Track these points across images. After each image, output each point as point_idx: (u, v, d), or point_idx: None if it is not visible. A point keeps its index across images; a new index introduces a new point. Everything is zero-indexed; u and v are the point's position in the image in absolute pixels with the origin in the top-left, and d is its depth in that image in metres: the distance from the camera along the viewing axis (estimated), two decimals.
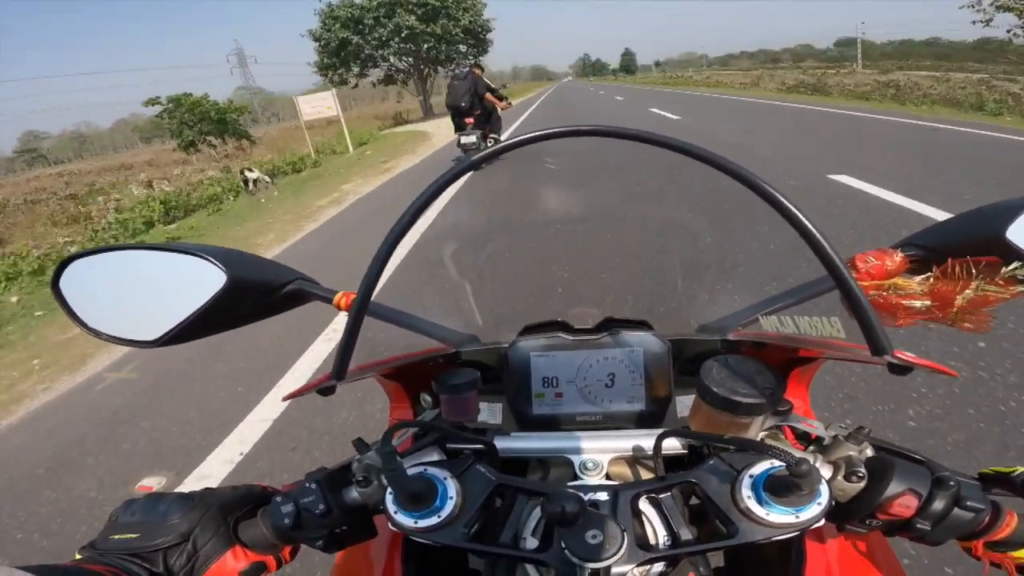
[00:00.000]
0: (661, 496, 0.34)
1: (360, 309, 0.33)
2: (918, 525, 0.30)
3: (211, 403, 1.96)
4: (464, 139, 5.28)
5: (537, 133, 0.32)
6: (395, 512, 0.33)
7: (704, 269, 0.63)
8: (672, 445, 0.39)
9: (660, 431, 0.38)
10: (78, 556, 0.33)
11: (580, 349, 0.44)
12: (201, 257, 0.39)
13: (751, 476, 0.32)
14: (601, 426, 0.44)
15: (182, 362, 2.30)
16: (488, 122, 5.50)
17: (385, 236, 0.32)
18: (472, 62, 6.02)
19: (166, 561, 0.33)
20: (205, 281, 0.39)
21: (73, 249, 4.24)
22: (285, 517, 0.35)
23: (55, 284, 0.41)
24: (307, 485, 0.36)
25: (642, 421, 0.44)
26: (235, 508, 0.37)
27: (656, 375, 0.43)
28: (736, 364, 0.36)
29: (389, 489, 0.33)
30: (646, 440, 0.40)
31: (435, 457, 0.39)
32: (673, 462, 0.41)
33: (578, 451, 0.41)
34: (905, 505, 0.30)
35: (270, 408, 1.83)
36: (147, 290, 0.41)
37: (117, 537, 0.33)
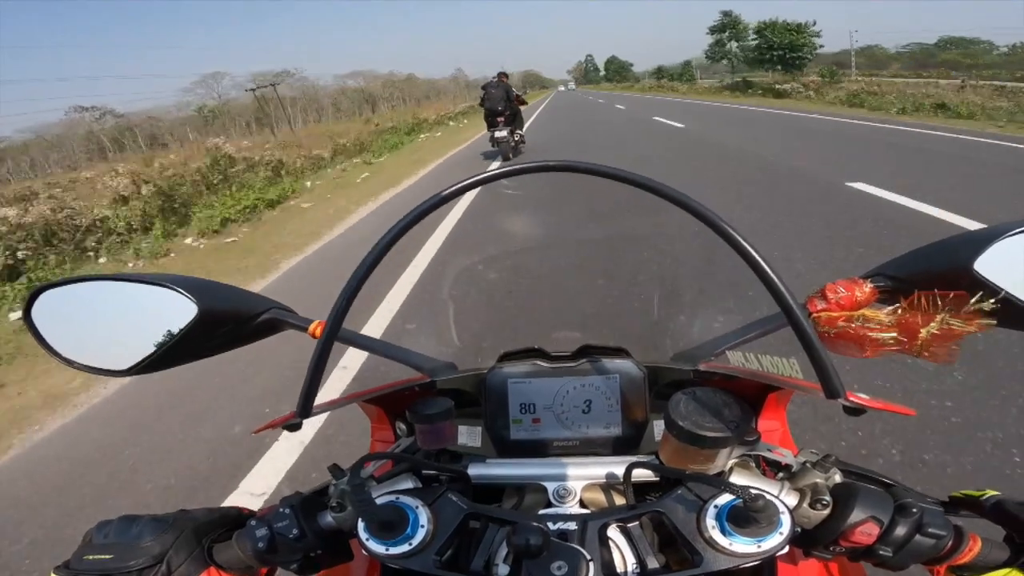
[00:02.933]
0: (630, 525, 0.34)
1: (327, 342, 0.34)
2: (880, 551, 0.31)
3: None
4: (497, 134, 6.88)
5: (493, 172, 0.34)
6: (367, 539, 0.34)
7: (679, 295, 0.64)
8: (643, 473, 0.40)
9: (631, 460, 0.39)
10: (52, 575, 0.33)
11: (557, 376, 0.45)
12: (171, 288, 0.39)
13: (715, 507, 0.33)
14: (578, 451, 0.44)
15: None
16: (514, 120, 7.09)
17: (355, 268, 0.32)
18: (500, 72, 7.45)
19: None
20: (176, 311, 0.39)
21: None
22: (259, 541, 0.35)
23: (27, 313, 0.41)
24: (281, 510, 0.37)
25: (618, 446, 0.44)
26: (210, 531, 0.37)
27: (633, 401, 0.44)
28: (704, 397, 0.36)
29: (362, 516, 0.34)
30: (618, 467, 0.40)
31: (409, 484, 0.40)
32: (645, 488, 0.41)
33: (552, 478, 0.41)
34: (867, 533, 0.31)
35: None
36: (118, 320, 0.42)
37: (91, 558, 0.34)
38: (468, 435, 0.46)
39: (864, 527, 0.31)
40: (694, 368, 0.44)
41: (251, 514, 0.39)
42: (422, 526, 0.34)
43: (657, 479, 0.40)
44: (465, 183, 0.33)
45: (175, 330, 0.39)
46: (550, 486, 0.41)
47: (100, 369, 0.41)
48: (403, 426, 0.47)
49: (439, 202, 0.33)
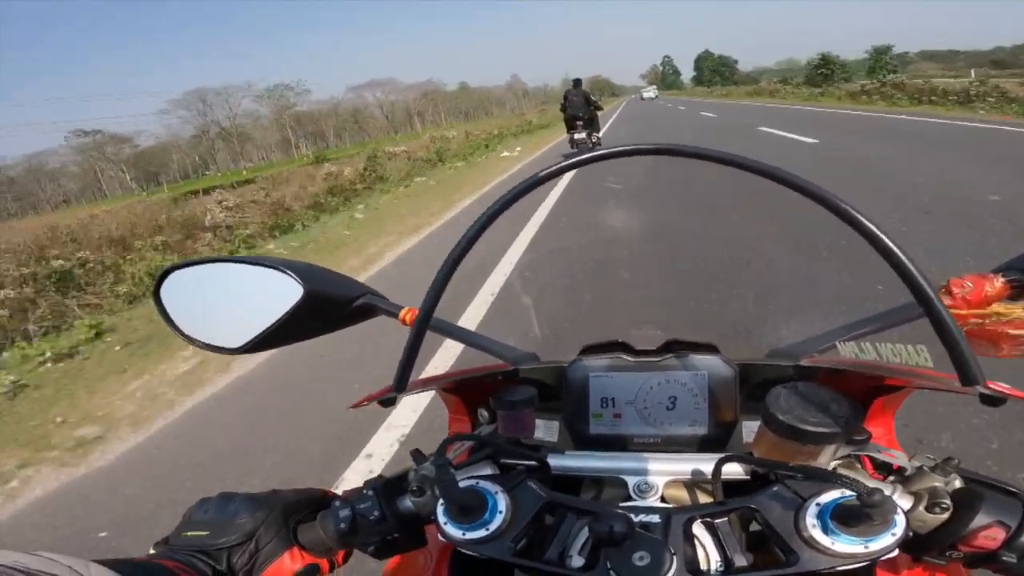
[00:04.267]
0: (717, 521, 0.38)
1: (422, 325, 0.42)
2: (1004, 558, 0.33)
3: None
4: (577, 136, 9.51)
5: (612, 150, 0.38)
6: (444, 523, 0.40)
7: (776, 289, 0.67)
8: (733, 471, 0.44)
9: (721, 455, 0.44)
10: (152, 551, 0.42)
11: (641, 371, 0.50)
12: (280, 270, 0.50)
13: (818, 504, 0.35)
14: (659, 448, 0.49)
15: None
16: (592, 124, 9.69)
17: (448, 253, 0.39)
18: (576, 79, 10.14)
19: (230, 559, 0.41)
20: (284, 293, 0.50)
21: None
22: (342, 522, 0.43)
23: (156, 292, 0.55)
24: (364, 492, 0.45)
25: (703, 445, 0.49)
26: (297, 510, 0.45)
27: (721, 399, 0.49)
28: (807, 391, 0.40)
29: (440, 499, 0.41)
30: (705, 464, 0.45)
31: (488, 471, 0.47)
32: (733, 488, 0.45)
33: (633, 472, 0.47)
34: (991, 537, 0.33)
35: None
36: (233, 300, 0.54)
37: (189, 534, 0.42)
38: (545, 429, 0.53)
39: (988, 531, 0.33)
40: (795, 364, 0.48)
41: (335, 496, 0.47)
42: (500, 512, 0.39)
43: (746, 478, 0.44)
44: (564, 164, 0.38)
45: (282, 311, 0.50)
46: (631, 480, 0.46)
47: (215, 347, 0.54)
48: (485, 413, 0.55)
49: (536, 183, 0.38)
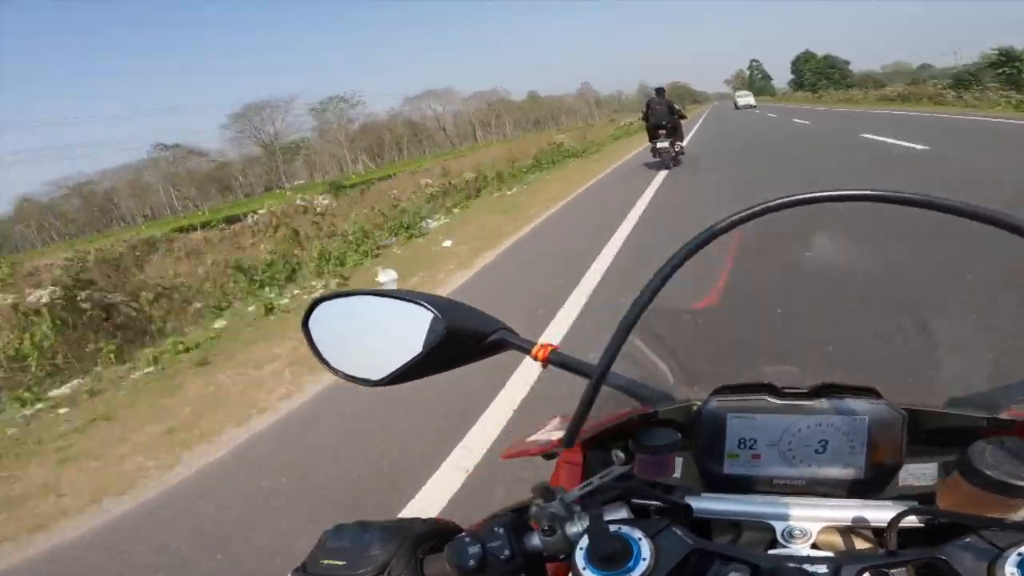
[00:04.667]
0: (893, 572, 0.38)
1: (600, 379, 0.44)
2: None
3: None
4: (659, 145, 9.80)
5: (792, 197, 0.38)
6: (583, 568, 0.41)
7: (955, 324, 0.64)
8: (907, 519, 0.43)
9: (902, 508, 0.43)
10: None
11: (788, 413, 0.50)
12: (422, 305, 0.56)
13: (1020, 555, 0.35)
14: (805, 491, 0.49)
15: None
16: (675, 133, 9.99)
17: (630, 306, 0.42)
18: (659, 88, 10.52)
19: None
20: (425, 327, 0.56)
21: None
22: (471, 558, 0.45)
23: (305, 322, 0.62)
24: (495, 529, 0.47)
25: (856, 488, 0.48)
26: (425, 541, 0.48)
27: (883, 445, 0.48)
28: (1014, 447, 0.41)
29: (581, 544, 0.42)
30: (871, 512, 0.45)
31: (623, 513, 0.48)
32: (901, 535, 0.44)
33: (781, 516, 0.47)
34: None
35: None
36: (375, 332, 0.60)
37: (326, 562, 0.46)
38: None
39: None
40: (991, 416, 0.47)
41: (460, 528, 0.50)
42: (644, 559, 0.40)
43: (919, 526, 0.44)
44: (744, 214, 0.39)
45: (423, 345, 0.56)
46: (778, 525, 0.46)
47: (356, 378, 0.60)
48: (620, 454, 0.56)
49: (712, 236, 0.40)
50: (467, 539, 0.45)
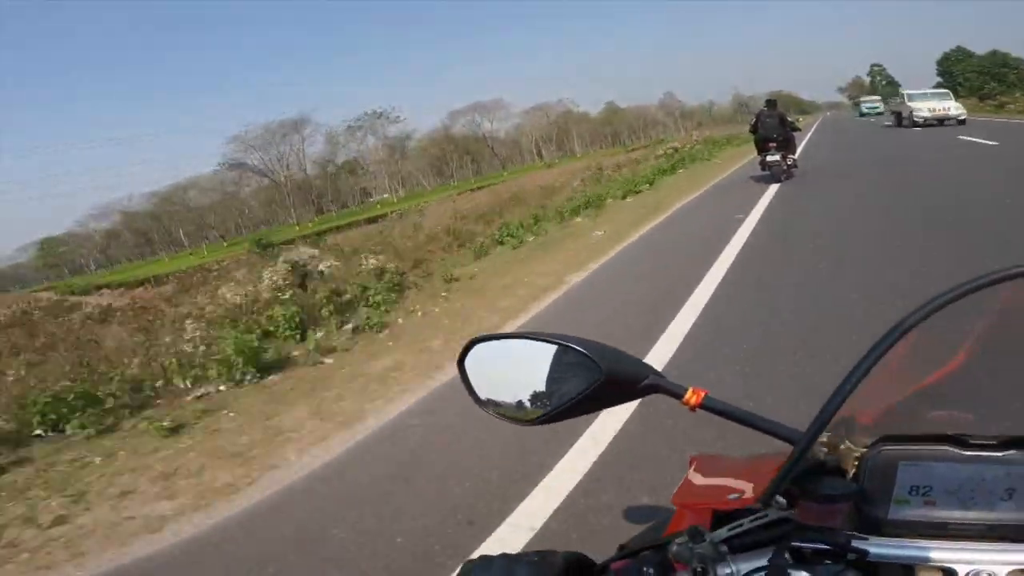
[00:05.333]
0: None
1: (808, 445, 0.49)
2: None
3: None
4: (769, 158, 10.57)
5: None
6: None
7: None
8: None
9: None
10: None
11: (971, 463, 0.51)
12: (579, 351, 0.64)
13: None
14: (985, 536, 0.51)
15: None
16: (787, 146, 10.74)
17: (839, 384, 0.46)
18: (770, 100, 11.51)
19: None
20: (580, 371, 0.64)
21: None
22: None
23: (460, 361, 0.73)
24: (643, 569, 0.52)
25: None
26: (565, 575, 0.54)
27: None
28: None
29: None
30: None
31: (763, 560, 0.52)
32: None
33: (965, 561, 0.49)
34: None
35: None
36: (530, 374, 0.69)
37: None
38: None
39: None
40: None
41: (592, 563, 0.55)
42: None
43: None
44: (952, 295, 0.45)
45: (577, 388, 0.64)
46: (961, 569, 0.49)
47: (508, 416, 0.69)
48: (782, 499, 0.58)
49: (937, 307, 0.45)
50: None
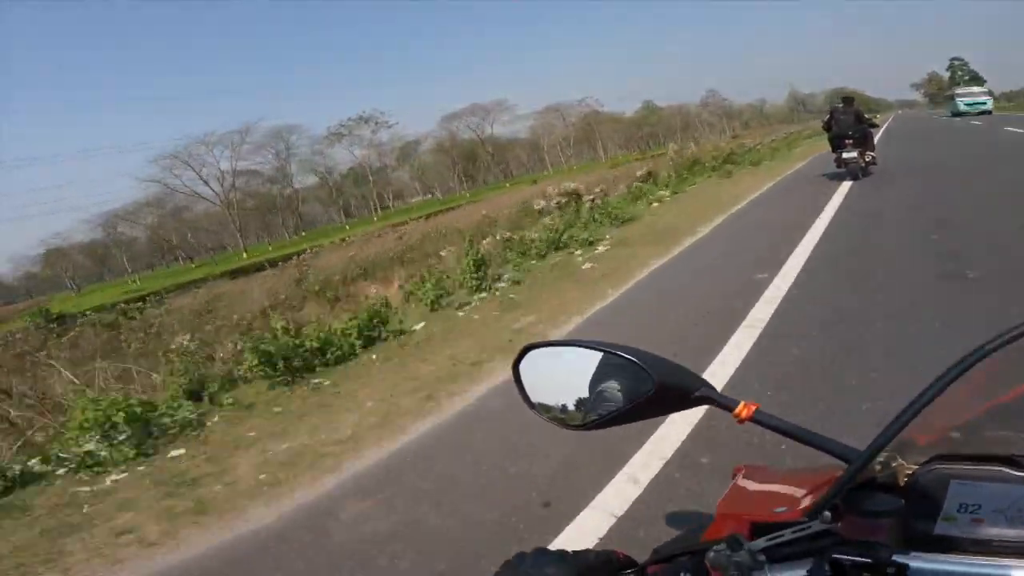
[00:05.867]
0: None
1: (863, 466, 0.53)
2: None
3: None
4: (846, 155, 10.75)
5: None
6: None
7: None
8: None
9: None
10: None
11: (1023, 484, 0.53)
12: (633, 361, 0.70)
13: None
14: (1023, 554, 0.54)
15: None
16: (865, 142, 10.96)
17: (926, 386, 0.49)
18: (846, 97, 12.07)
19: None
20: (633, 381, 0.70)
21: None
22: None
23: (515, 365, 0.81)
24: (681, 574, 0.57)
25: None
26: (600, 573, 0.60)
27: None
28: None
29: None
30: None
31: (803, 570, 0.55)
32: None
33: None
34: None
35: None
36: (582, 381, 0.76)
37: None
38: None
39: None
40: None
41: (633, 562, 0.61)
42: None
43: None
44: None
45: (629, 396, 0.70)
46: None
47: (559, 420, 0.77)
48: (828, 514, 0.61)
49: (1016, 336, 0.46)
50: None
